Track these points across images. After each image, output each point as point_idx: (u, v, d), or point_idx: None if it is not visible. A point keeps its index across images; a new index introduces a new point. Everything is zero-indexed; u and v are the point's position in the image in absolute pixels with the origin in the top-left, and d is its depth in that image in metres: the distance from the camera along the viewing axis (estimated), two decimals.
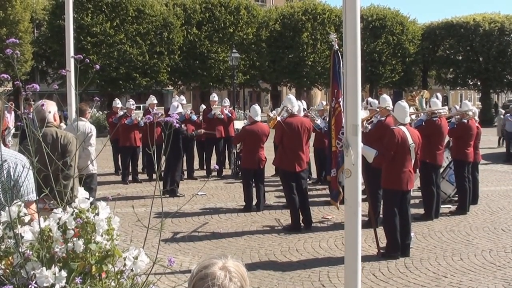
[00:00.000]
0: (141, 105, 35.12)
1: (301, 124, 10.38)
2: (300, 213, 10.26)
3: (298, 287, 7.20)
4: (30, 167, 2.81)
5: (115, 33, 35.67)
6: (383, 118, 10.57)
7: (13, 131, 17.19)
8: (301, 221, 10.23)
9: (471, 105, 12.53)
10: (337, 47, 8.32)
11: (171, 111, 13.95)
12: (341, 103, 8.40)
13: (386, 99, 10.71)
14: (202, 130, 15.01)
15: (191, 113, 16.14)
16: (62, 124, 8.93)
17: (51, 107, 6.48)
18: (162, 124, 11.90)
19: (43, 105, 5.92)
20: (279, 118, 11.90)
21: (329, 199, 12.06)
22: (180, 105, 14.14)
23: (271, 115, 17.37)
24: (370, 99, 13.24)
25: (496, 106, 52.96)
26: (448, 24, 47.12)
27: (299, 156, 10.26)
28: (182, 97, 17.11)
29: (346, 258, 5.03)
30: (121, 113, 15.89)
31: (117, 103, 16.57)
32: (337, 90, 8.38)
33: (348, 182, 5.02)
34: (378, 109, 11.10)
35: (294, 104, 10.63)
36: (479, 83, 47.85)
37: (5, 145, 15.55)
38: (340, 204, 9.22)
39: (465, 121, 11.70)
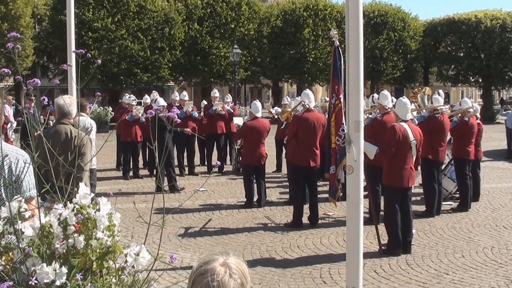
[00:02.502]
0: (142, 101, 35.05)
1: (317, 120, 10.35)
2: (308, 209, 10.26)
3: (299, 283, 7.19)
4: (31, 163, 2.80)
5: (116, 29, 35.67)
6: (379, 116, 10.49)
7: (14, 125, 17.15)
8: (307, 218, 10.22)
9: (471, 102, 12.50)
10: (337, 43, 8.30)
11: (154, 107, 13.92)
12: (341, 99, 8.38)
13: (387, 96, 10.58)
14: (189, 130, 14.86)
15: (192, 110, 16.10)
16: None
17: (73, 104, 6.26)
18: (156, 119, 11.88)
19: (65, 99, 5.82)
20: (292, 110, 11.88)
21: (328, 195, 12.08)
22: (160, 99, 14.13)
23: (273, 111, 17.40)
24: (375, 95, 13.20)
25: (502, 102, 52.66)
26: (450, 20, 47.05)
27: (313, 151, 10.25)
28: (185, 93, 17.07)
29: (348, 255, 5.02)
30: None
31: (126, 98, 16.52)
32: (337, 86, 8.34)
33: (350, 178, 5.00)
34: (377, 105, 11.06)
35: (311, 99, 10.59)
36: (480, 80, 47.78)
37: (8, 139, 15.53)
38: (338, 201, 9.24)
39: (467, 119, 11.66)
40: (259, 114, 11.89)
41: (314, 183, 10.52)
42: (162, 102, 13.91)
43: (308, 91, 11.06)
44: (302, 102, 10.87)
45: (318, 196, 12.15)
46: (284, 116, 12.77)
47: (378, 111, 10.72)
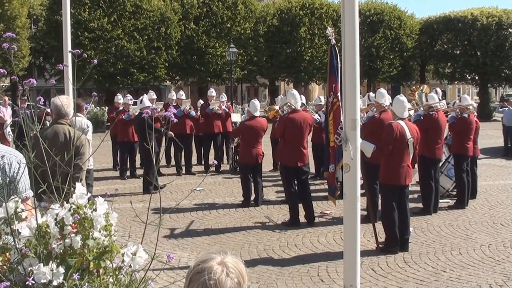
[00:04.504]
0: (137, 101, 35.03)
1: (303, 120, 10.36)
2: (303, 209, 10.26)
3: (297, 282, 7.19)
4: (27, 163, 2.79)
5: (112, 29, 35.58)
6: (377, 114, 10.51)
7: (9, 123, 17.10)
8: (304, 217, 10.22)
9: (470, 99, 12.53)
10: (334, 41, 8.31)
11: (138, 108, 13.88)
12: (339, 98, 8.40)
13: (384, 94, 10.59)
14: (172, 133, 14.49)
15: (190, 108, 16.11)
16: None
17: (71, 105, 6.29)
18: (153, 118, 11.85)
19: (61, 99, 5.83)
20: (278, 109, 11.85)
21: (327, 194, 12.10)
22: (146, 99, 13.99)
23: (266, 109, 17.41)
24: (371, 93, 13.21)
25: (502, 98, 52.49)
26: (446, 18, 47.03)
27: (300, 151, 10.25)
28: (182, 92, 17.07)
29: (345, 253, 5.02)
30: (121, 108, 15.91)
31: (119, 98, 16.57)
32: (335, 85, 8.36)
33: (347, 176, 5.01)
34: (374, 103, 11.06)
35: (297, 99, 10.58)
36: (477, 78, 47.78)
37: (5, 139, 15.49)
38: (338, 199, 9.26)
39: (466, 115, 11.69)
40: (257, 113, 11.88)
41: (305, 182, 10.50)
42: (147, 103, 13.76)
43: (293, 91, 11.07)
44: (288, 103, 10.87)
45: (316, 194, 12.19)
46: (271, 114, 12.76)
47: (375, 109, 10.73)
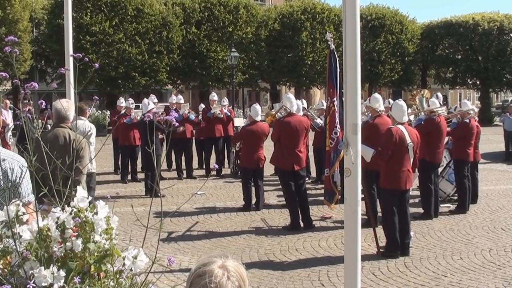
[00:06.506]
0: (140, 104, 35.03)
1: (299, 123, 10.37)
2: (299, 213, 10.25)
3: (298, 286, 7.19)
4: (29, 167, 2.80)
5: (114, 32, 35.63)
6: (371, 120, 10.49)
7: (11, 127, 17.10)
8: (300, 221, 10.22)
9: (470, 104, 12.53)
10: (333, 46, 8.32)
11: (143, 111, 13.92)
12: (335, 103, 8.44)
13: (378, 99, 10.54)
14: (181, 128, 14.74)
15: (189, 112, 16.12)
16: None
17: (71, 109, 6.31)
18: (159, 123, 11.93)
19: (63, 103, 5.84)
20: (275, 113, 11.88)
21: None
22: (150, 102, 14.02)
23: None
24: None
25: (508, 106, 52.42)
26: (447, 23, 47.05)
27: (296, 154, 10.25)
28: (180, 96, 17.08)
29: (346, 257, 5.01)
30: (123, 112, 15.96)
31: (121, 102, 16.61)
32: (332, 90, 8.40)
33: (347, 181, 5.00)
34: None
35: (293, 103, 10.59)
36: (478, 82, 47.79)
37: (6, 143, 15.51)
38: (336, 204, 9.26)
39: (467, 120, 11.68)
40: (258, 118, 11.89)
41: (302, 186, 10.49)
42: (151, 105, 13.81)
43: (289, 95, 11.08)
44: (284, 106, 10.88)
45: (317, 199, 12.19)
46: (268, 119, 12.81)
47: (370, 114, 10.72)
